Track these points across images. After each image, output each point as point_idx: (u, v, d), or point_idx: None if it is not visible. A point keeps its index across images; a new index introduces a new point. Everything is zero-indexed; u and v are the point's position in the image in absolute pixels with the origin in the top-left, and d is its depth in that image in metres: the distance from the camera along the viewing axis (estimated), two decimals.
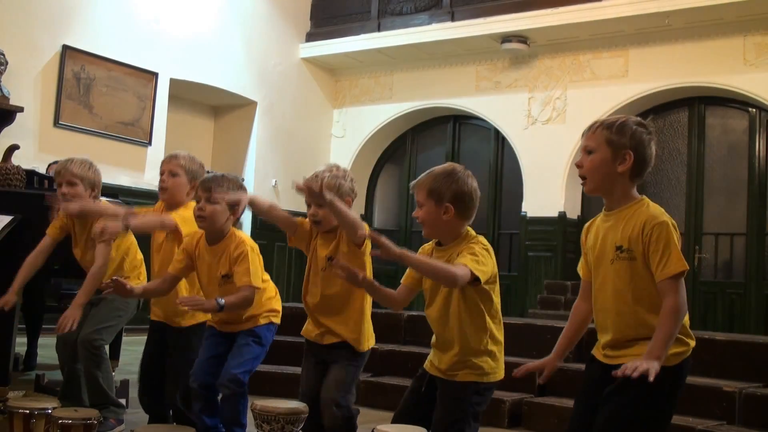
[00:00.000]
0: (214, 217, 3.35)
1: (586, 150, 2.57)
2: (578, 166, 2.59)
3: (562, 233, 9.85)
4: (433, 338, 2.94)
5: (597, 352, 2.62)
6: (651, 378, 2.24)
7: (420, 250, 2.97)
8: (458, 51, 10.62)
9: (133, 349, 4.76)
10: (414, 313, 6.14)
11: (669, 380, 2.41)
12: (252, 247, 3.40)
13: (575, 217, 9.98)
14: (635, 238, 2.45)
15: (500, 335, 2.89)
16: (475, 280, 2.66)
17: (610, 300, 2.52)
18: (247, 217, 10.68)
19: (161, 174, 3.75)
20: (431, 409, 2.84)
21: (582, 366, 4.99)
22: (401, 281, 2.98)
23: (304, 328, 3.29)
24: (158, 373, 3.72)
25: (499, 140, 10.84)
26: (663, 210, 2.50)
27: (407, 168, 11.72)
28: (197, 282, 3.56)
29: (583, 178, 2.58)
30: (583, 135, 2.61)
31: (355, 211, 10.45)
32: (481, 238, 2.87)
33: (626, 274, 2.47)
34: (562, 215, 9.86)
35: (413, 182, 2.89)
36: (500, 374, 2.88)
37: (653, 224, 2.43)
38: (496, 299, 2.86)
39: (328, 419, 3.04)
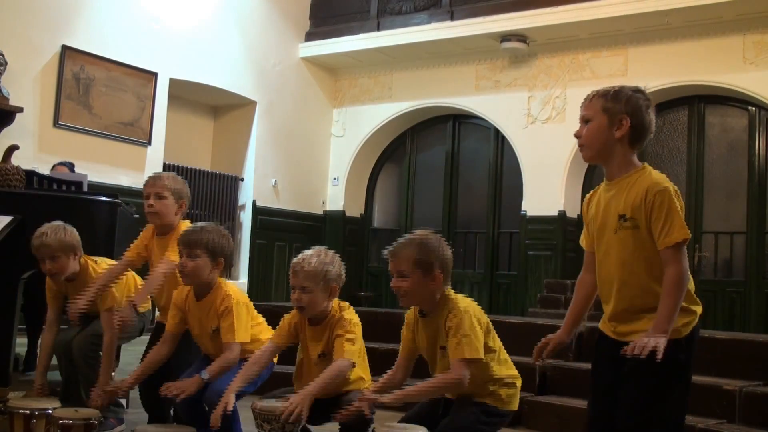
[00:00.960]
0: (197, 271, 3.30)
1: (584, 119, 2.58)
2: (577, 136, 2.59)
3: (562, 232, 9.85)
4: None
5: (605, 327, 2.60)
6: (659, 357, 2.25)
7: (406, 318, 2.96)
8: (458, 50, 10.62)
9: (133, 349, 4.76)
10: None
11: (683, 351, 2.43)
12: (238, 301, 3.35)
13: (575, 216, 9.98)
14: (638, 205, 2.44)
15: (511, 371, 2.89)
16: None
17: (615, 270, 2.51)
18: (247, 217, 10.73)
19: (147, 198, 3.68)
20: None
21: (582, 365, 5.01)
22: (399, 352, 2.98)
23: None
24: (158, 373, 3.72)
25: (499, 139, 10.84)
26: (665, 177, 2.48)
27: (407, 167, 11.72)
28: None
29: (581, 147, 2.59)
30: (581, 106, 2.61)
31: (354, 212, 10.32)
32: (461, 300, 2.81)
33: (630, 243, 2.46)
34: (562, 214, 9.86)
35: (389, 250, 2.82)
36: (514, 406, 2.90)
37: (655, 191, 2.42)
38: (495, 344, 2.84)
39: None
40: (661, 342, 2.27)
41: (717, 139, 9.45)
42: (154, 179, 3.72)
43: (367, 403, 2.68)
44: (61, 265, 3.78)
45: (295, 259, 3.11)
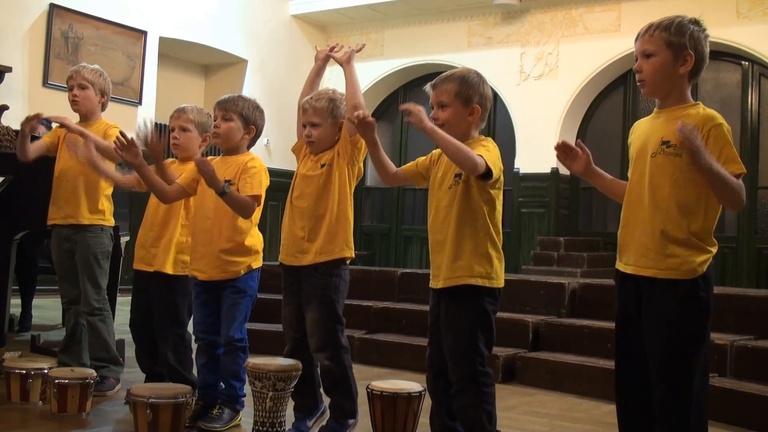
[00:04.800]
0: (229, 133, 3.41)
1: (644, 54, 2.51)
2: (637, 71, 2.53)
3: (555, 189, 9.86)
4: (431, 240, 2.92)
5: (621, 265, 2.56)
6: (697, 138, 2.28)
7: (432, 153, 3.01)
8: (450, 6, 10.52)
9: (129, 309, 4.78)
10: (408, 270, 6.17)
11: (703, 289, 2.43)
12: (265, 171, 3.43)
13: (568, 173, 9.97)
14: None
15: (500, 241, 2.86)
16: (487, 174, 2.69)
17: (645, 193, 2.47)
18: None
19: (172, 131, 3.76)
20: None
21: (575, 321, 5.04)
22: (404, 167, 3.05)
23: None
24: (150, 335, 3.73)
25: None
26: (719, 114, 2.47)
27: (399, 126, 11.67)
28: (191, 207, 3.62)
29: (641, 81, 2.53)
30: (636, 39, 2.55)
31: None
32: (491, 140, 2.87)
33: (668, 169, 2.43)
34: (555, 171, 9.86)
35: (433, 83, 2.90)
36: (501, 282, 2.84)
37: (711, 125, 2.40)
38: (499, 207, 2.85)
39: None
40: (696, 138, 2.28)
41: (710, 94, 9.41)
42: (179, 112, 3.77)
43: (413, 114, 2.67)
44: (87, 95, 4.01)
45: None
